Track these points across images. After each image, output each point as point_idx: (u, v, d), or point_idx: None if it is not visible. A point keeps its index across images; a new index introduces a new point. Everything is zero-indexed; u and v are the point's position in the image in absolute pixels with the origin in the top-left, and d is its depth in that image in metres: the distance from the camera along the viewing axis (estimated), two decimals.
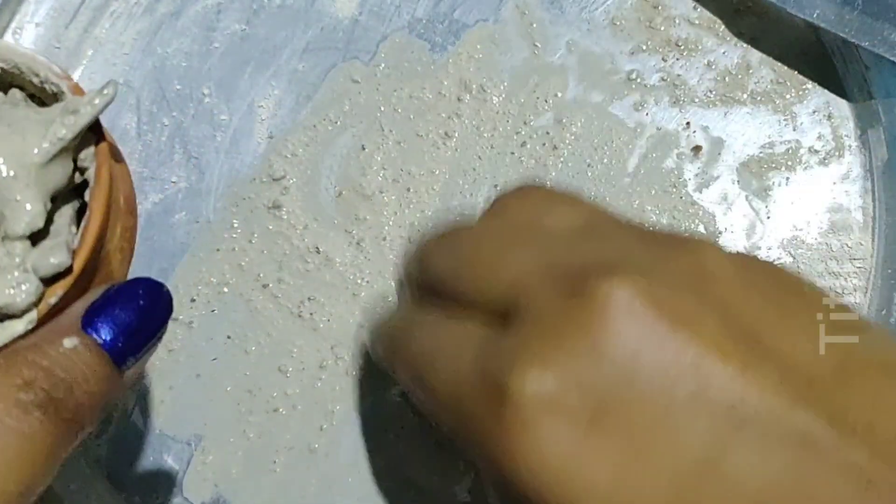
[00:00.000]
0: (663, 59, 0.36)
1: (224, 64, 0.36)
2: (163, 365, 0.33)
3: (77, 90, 0.22)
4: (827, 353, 0.22)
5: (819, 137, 0.36)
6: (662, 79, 0.36)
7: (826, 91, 0.36)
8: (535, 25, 0.36)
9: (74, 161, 0.22)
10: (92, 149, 0.22)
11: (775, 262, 0.34)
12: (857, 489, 0.21)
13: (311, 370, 0.33)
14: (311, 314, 0.33)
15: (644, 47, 0.36)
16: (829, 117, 0.36)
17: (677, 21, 0.36)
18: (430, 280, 0.26)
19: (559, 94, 0.36)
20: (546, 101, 0.36)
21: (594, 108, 0.36)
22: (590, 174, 0.35)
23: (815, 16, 0.34)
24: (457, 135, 0.35)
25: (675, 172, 0.35)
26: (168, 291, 0.22)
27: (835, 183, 0.35)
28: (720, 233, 0.35)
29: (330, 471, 0.32)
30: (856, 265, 0.35)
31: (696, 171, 0.35)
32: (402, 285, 0.28)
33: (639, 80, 0.36)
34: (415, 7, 0.37)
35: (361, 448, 0.33)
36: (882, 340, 0.24)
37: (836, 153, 0.35)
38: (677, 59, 0.36)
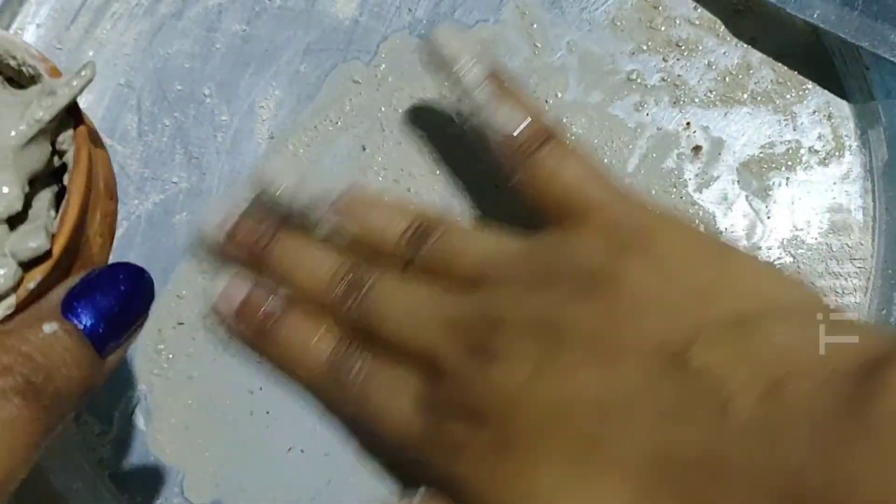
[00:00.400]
0: (664, 59, 0.36)
1: (225, 65, 0.36)
2: (164, 364, 0.33)
3: (54, 72, 0.22)
4: (678, 328, 0.26)
5: (819, 137, 0.36)
6: (663, 79, 0.36)
7: (826, 91, 0.36)
8: (535, 26, 0.36)
9: (52, 144, 0.22)
10: (70, 132, 0.22)
11: (775, 262, 0.34)
12: (729, 439, 0.23)
13: None
14: None
15: (644, 47, 0.36)
16: (830, 117, 0.36)
17: (678, 21, 0.36)
18: (363, 323, 0.30)
19: (559, 95, 0.36)
20: (546, 102, 0.36)
21: (594, 108, 0.36)
22: None
23: (815, 16, 0.34)
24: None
25: (676, 172, 0.35)
26: (149, 277, 0.22)
27: (835, 183, 0.35)
28: (720, 233, 0.35)
29: (331, 470, 0.32)
30: (856, 265, 0.35)
31: (697, 172, 0.35)
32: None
33: (639, 81, 0.36)
34: (415, 7, 0.37)
35: (363, 447, 0.33)
36: (738, 281, 0.27)
37: (837, 153, 0.36)
38: (678, 60, 0.36)
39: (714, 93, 0.36)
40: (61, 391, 0.20)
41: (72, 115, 0.22)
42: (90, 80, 0.21)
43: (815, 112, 0.36)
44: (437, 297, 0.29)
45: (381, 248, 0.31)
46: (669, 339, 0.25)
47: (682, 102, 0.36)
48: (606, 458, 0.25)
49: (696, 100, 0.36)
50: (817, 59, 0.36)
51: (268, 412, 0.33)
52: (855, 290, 0.34)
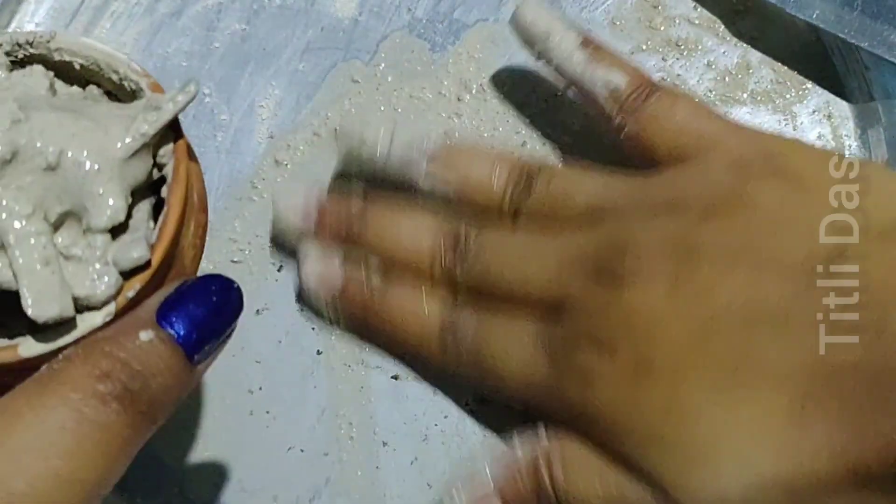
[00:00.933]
0: (663, 58, 0.36)
1: (224, 64, 0.36)
2: None
3: (156, 88, 0.23)
4: (802, 245, 0.26)
5: (819, 137, 0.36)
6: (663, 78, 0.36)
7: (826, 91, 0.36)
8: None
9: (153, 157, 0.22)
10: (171, 146, 0.22)
11: None
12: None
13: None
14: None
15: (644, 47, 0.36)
16: (829, 117, 0.36)
17: (677, 21, 0.36)
18: (473, 280, 0.30)
19: (559, 94, 0.36)
20: (546, 101, 0.36)
21: None
22: None
23: (814, 16, 0.34)
24: (457, 134, 0.35)
25: None
26: (239, 288, 0.22)
27: None
28: None
29: (330, 470, 0.32)
30: None
31: None
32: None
33: None
34: (415, 7, 0.37)
35: (365, 450, 0.33)
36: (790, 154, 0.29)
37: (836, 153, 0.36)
38: (677, 59, 0.36)
39: (714, 92, 0.36)
40: (156, 398, 0.20)
41: (172, 130, 0.22)
42: (194, 97, 0.22)
43: (814, 112, 0.36)
44: (553, 239, 0.29)
45: (488, 200, 0.31)
46: (815, 251, 0.26)
47: None
48: (758, 370, 0.25)
49: (696, 99, 0.36)
50: (817, 59, 0.36)
51: (267, 412, 0.33)
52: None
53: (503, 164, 0.31)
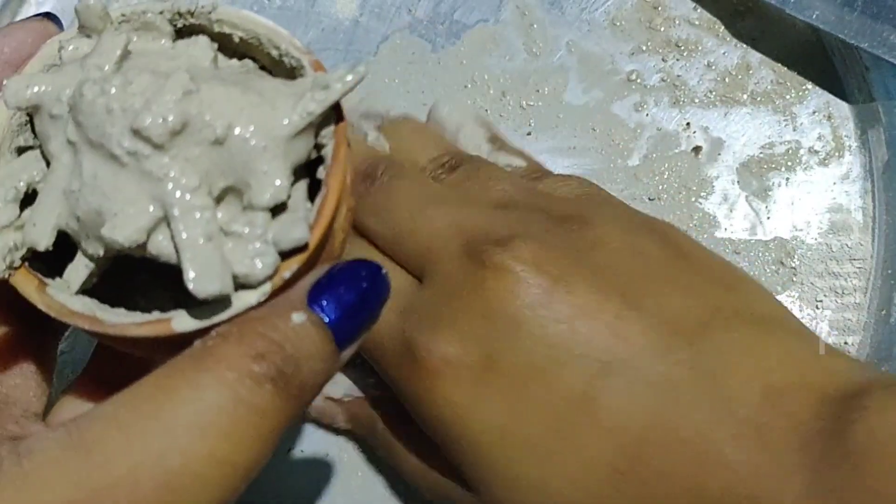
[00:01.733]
0: (663, 59, 0.36)
1: None
2: None
3: (318, 66, 0.22)
4: (697, 307, 0.26)
5: (819, 138, 0.36)
6: (662, 79, 0.36)
7: (826, 92, 0.36)
8: (535, 26, 0.36)
9: (315, 137, 0.22)
10: (332, 127, 0.21)
11: (775, 263, 0.35)
12: (725, 430, 0.24)
13: None
14: None
15: (644, 48, 0.36)
16: (830, 118, 0.36)
17: (677, 22, 0.36)
18: (362, 229, 0.30)
19: (559, 95, 0.36)
20: (546, 102, 0.36)
21: (594, 108, 0.36)
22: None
23: (814, 17, 0.34)
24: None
25: (676, 173, 0.35)
26: (387, 275, 0.22)
27: (835, 183, 0.35)
28: (720, 232, 0.35)
29: (331, 471, 0.32)
30: (856, 265, 0.35)
31: (697, 172, 0.35)
32: None
33: (639, 81, 0.36)
34: (415, 8, 0.37)
35: (365, 450, 0.33)
36: (756, 294, 0.28)
37: (836, 154, 0.36)
38: (677, 60, 0.36)
39: (714, 93, 0.36)
40: (306, 382, 0.20)
41: (335, 111, 0.21)
42: (363, 78, 0.21)
43: (814, 112, 0.36)
44: (459, 201, 0.29)
45: (413, 165, 0.31)
46: (687, 314, 0.26)
47: (681, 103, 0.36)
48: (593, 416, 0.25)
49: (696, 100, 0.36)
50: (817, 60, 0.36)
51: None
52: (855, 291, 0.34)
53: (437, 145, 0.32)
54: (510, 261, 0.26)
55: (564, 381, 0.25)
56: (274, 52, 0.22)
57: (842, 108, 0.36)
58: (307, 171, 0.22)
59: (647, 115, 0.36)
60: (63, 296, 0.20)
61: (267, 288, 0.20)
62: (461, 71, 0.36)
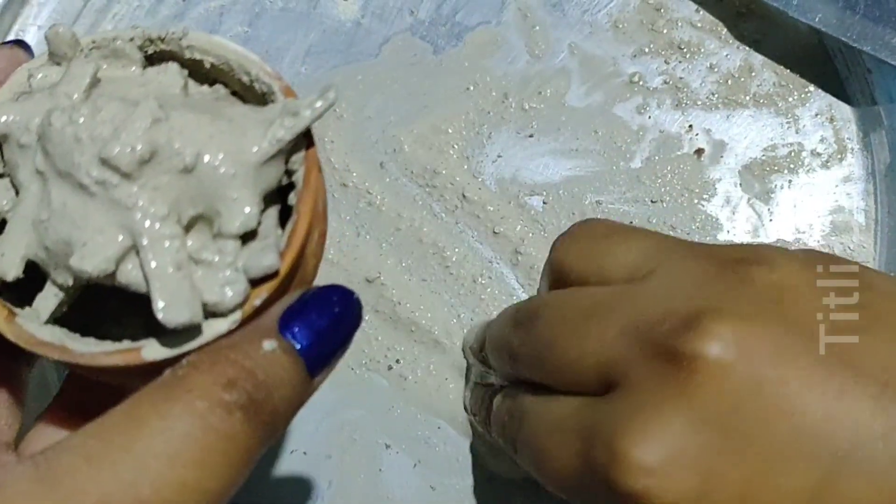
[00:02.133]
0: (665, 61, 0.36)
1: None
2: None
3: (288, 92, 0.22)
4: None
5: (821, 140, 0.36)
6: (665, 81, 0.36)
7: (828, 94, 0.36)
8: (537, 28, 0.36)
9: (285, 164, 0.22)
10: (303, 152, 0.21)
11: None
12: None
13: None
14: None
15: (646, 50, 0.36)
16: (832, 120, 0.36)
17: (679, 24, 0.36)
18: (515, 372, 0.27)
19: (561, 97, 0.36)
20: (548, 104, 0.36)
21: (596, 110, 0.36)
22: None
23: (816, 20, 0.34)
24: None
25: (678, 175, 0.35)
26: (359, 299, 0.22)
27: (837, 185, 0.35)
28: (722, 233, 0.35)
29: (332, 472, 0.32)
30: None
31: (699, 174, 0.35)
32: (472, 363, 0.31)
33: (641, 83, 0.36)
34: (417, 9, 0.37)
35: (365, 450, 0.33)
36: None
37: (839, 156, 0.36)
38: (679, 62, 0.36)
39: (716, 95, 0.36)
40: (278, 409, 0.20)
41: (304, 136, 0.21)
42: (333, 104, 0.21)
43: (817, 115, 0.36)
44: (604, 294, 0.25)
45: None
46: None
47: (684, 105, 0.36)
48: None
49: (699, 102, 0.36)
50: (819, 63, 0.36)
51: None
52: None
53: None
54: (708, 348, 0.21)
55: (796, 479, 0.21)
56: (245, 78, 0.22)
57: (844, 111, 0.36)
58: (278, 196, 0.22)
59: (650, 117, 0.36)
60: (32, 325, 0.20)
61: (237, 316, 0.20)
62: (463, 73, 0.36)
